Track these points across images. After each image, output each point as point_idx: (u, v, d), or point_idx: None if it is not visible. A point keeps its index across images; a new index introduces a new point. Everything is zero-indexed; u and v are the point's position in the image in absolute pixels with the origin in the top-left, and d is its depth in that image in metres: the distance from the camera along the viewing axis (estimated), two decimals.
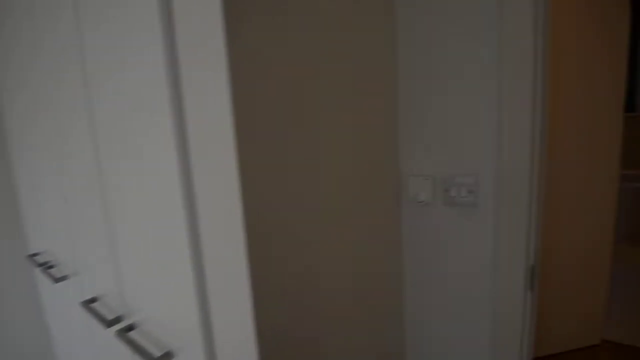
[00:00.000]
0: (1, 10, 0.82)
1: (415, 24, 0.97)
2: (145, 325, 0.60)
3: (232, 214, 0.48)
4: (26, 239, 1.02)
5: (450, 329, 1.06)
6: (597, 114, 1.83)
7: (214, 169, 0.45)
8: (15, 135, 0.92)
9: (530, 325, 0.95)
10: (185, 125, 0.41)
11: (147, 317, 0.59)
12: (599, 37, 1.73)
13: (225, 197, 0.47)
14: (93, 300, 0.75)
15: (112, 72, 0.49)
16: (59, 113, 0.68)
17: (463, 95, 0.93)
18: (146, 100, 0.43)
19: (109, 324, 0.66)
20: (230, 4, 0.66)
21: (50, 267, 0.89)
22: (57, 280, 0.83)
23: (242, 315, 0.51)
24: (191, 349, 0.49)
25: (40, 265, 0.89)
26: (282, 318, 0.80)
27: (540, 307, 1.98)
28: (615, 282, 2.85)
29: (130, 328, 0.62)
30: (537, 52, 0.83)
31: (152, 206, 0.49)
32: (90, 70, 0.54)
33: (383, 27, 0.98)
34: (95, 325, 0.77)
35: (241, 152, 0.70)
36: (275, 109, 0.75)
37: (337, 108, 0.88)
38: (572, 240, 1.93)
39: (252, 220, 0.72)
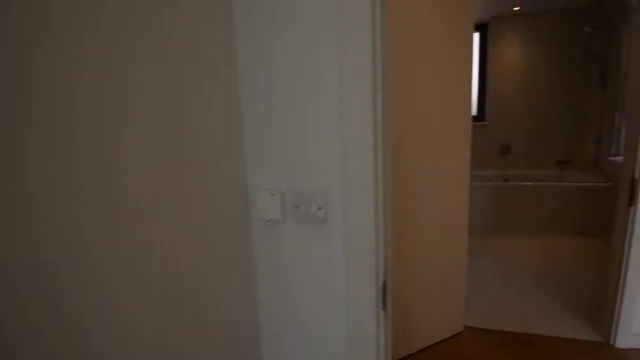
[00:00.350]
0: None
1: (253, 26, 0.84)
2: None
3: None
4: None
5: (309, 357, 0.96)
6: (451, 124, 1.99)
7: None
8: None
9: (385, 344, 0.90)
10: None
11: None
12: (448, 55, 1.88)
13: None
14: None
15: None
16: None
17: (308, 104, 0.84)
18: None
19: None
20: None
21: None
22: None
23: None
24: None
25: None
26: None
27: (408, 306, 2.08)
28: (471, 272, 3.22)
29: None
30: (376, 63, 0.77)
31: None
32: None
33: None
34: None
35: None
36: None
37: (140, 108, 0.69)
38: (432, 239, 2.06)
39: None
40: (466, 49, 1.94)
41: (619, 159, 3.46)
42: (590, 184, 4.05)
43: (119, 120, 0.64)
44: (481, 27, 5.15)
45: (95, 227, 0.61)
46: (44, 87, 0.53)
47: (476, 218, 4.35)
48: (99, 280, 0.62)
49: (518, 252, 3.77)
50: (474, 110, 5.29)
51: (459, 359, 2.18)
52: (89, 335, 0.61)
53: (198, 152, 0.79)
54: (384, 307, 0.87)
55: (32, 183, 0.53)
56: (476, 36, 5.21)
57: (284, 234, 0.91)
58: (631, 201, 2.06)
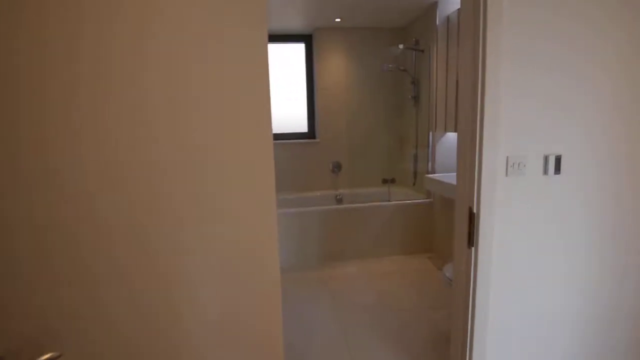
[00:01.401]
0: None
1: None
2: None
3: None
4: None
5: None
6: (250, 146, 1.22)
7: None
8: None
9: None
10: None
11: None
12: (231, 69, 1.12)
13: None
14: None
15: None
16: None
17: None
18: None
19: None
20: None
21: None
22: None
23: None
24: None
25: None
26: None
27: None
28: (300, 327, 2.48)
29: None
30: None
31: None
32: None
33: None
34: None
35: None
36: None
37: None
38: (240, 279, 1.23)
39: None
40: (259, 61, 1.22)
41: (437, 175, 3.43)
42: (412, 201, 4.03)
43: None
44: (306, 38, 4.78)
45: None
46: None
47: (302, 250, 3.82)
48: None
49: (351, 286, 3.35)
50: (304, 126, 4.86)
51: None
52: None
53: None
54: None
55: None
56: (301, 47, 4.81)
57: None
58: (470, 242, 1.69)
